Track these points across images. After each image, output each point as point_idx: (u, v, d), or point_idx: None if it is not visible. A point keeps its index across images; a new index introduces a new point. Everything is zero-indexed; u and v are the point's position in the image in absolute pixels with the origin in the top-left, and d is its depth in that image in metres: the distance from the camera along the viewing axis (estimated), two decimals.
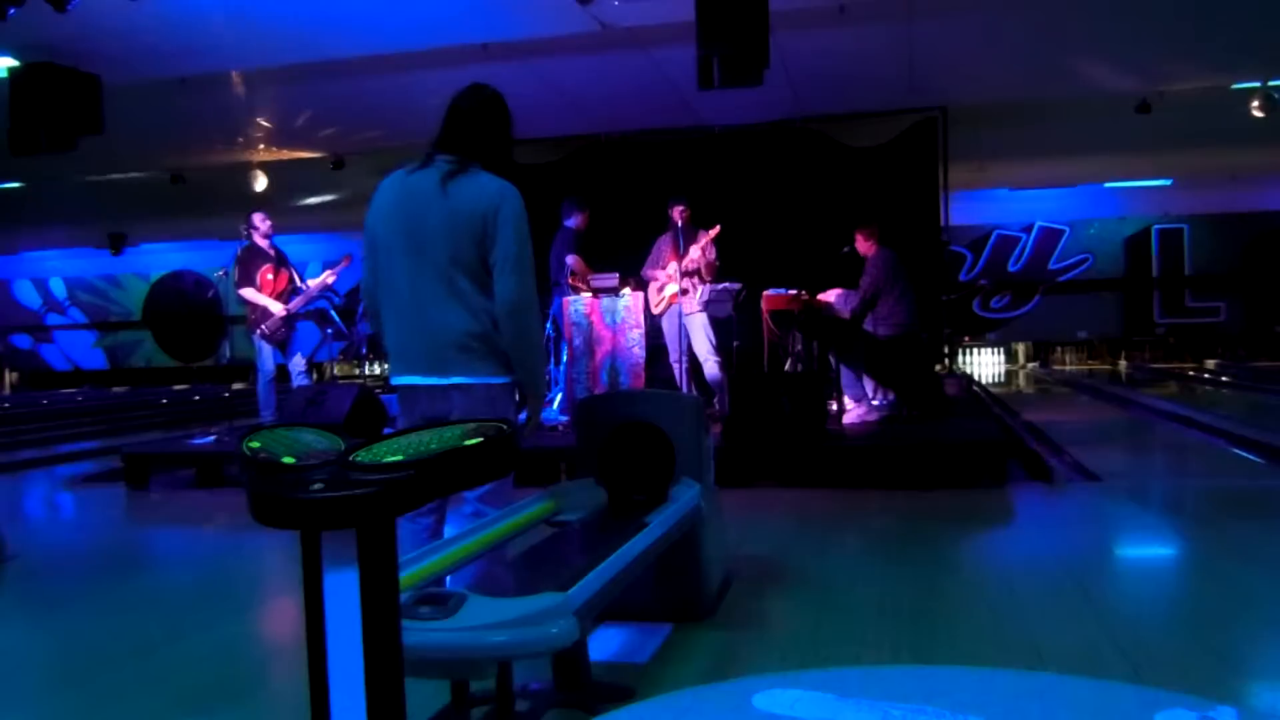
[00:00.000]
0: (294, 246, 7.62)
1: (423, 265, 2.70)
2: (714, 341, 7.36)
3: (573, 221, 7.74)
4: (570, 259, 7.61)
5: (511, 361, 2.75)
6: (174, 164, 12.29)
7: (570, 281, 7.47)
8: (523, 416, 2.92)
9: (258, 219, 7.32)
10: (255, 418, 7.66)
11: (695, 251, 7.26)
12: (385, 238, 2.77)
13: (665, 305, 7.44)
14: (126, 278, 20.64)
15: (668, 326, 7.49)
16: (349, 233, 14.84)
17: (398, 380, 2.82)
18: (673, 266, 7.31)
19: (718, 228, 7.34)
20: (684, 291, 7.28)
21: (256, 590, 4.29)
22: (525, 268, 2.71)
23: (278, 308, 7.13)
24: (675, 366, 7.42)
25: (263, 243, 7.29)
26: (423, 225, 2.70)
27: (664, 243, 7.47)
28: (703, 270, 7.31)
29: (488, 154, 2.78)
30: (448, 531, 2.77)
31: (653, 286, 7.58)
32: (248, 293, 7.16)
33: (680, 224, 7.28)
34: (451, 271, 2.68)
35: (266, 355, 7.20)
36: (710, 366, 7.38)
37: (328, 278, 7.38)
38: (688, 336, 7.36)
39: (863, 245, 7.51)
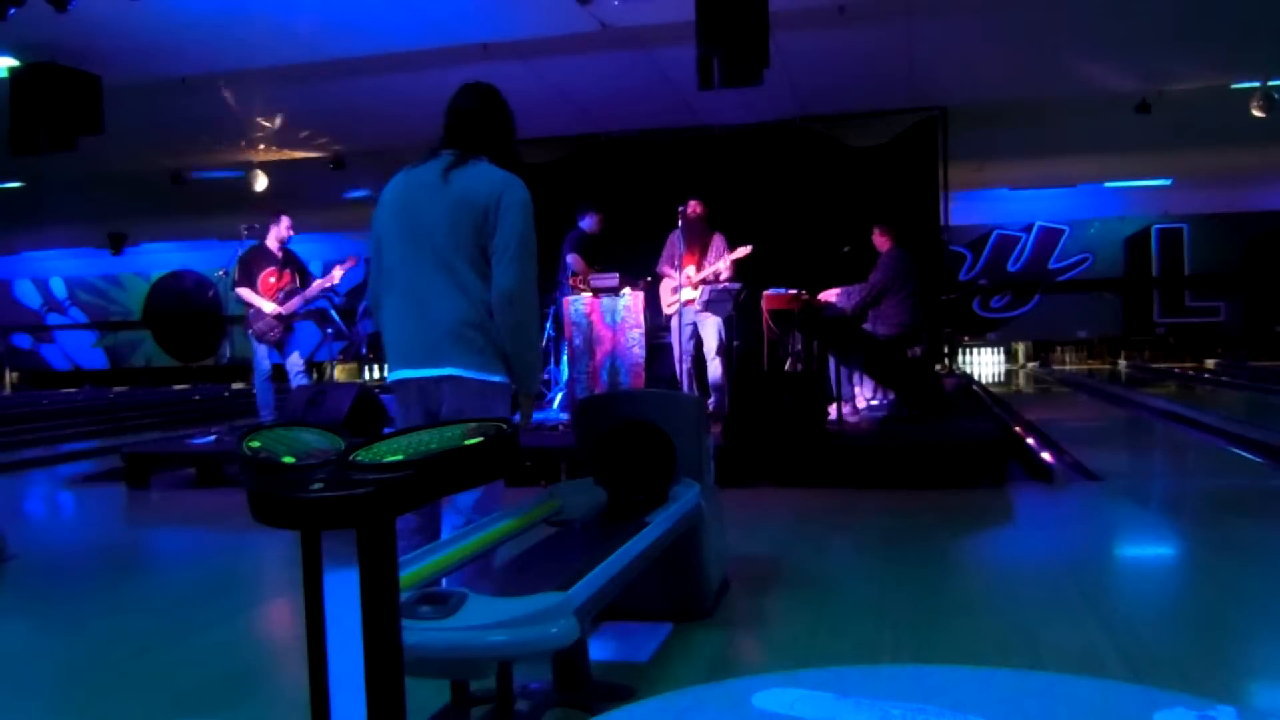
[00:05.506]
0: (296, 247, 7.60)
1: (422, 256, 2.66)
2: (721, 342, 7.33)
3: (586, 223, 7.72)
4: (571, 258, 7.60)
5: (507, 354, 2.69)
6: (174, 164, 12.30)
7: (571, 281, 7.46)
8: (515, 418, 2.91)
9: (285, 222, 7.28)
10: (255, 417, 7.66)
11: (722, 265, 7.19)
12: (389, 233, 2.75)
13: (677, 307, 7.39)
14: (127, 277, 20.66)
15: (675, 325, 7.45)
16: (351, 233, 14.86)
17: (393, 376, 2.78)
18: (690, 269, 7.25)
19: (749, 249, 7.19)
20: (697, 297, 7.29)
21: (256, 590, 4.29)
22: (525, 257, 2.65)
23: (270, 308, 7.12)
24: (678, 365, 7.41)
25: (273, 245, 7.27)
26: (423, 216, 2.68)
27: (675, 239, 7.31)
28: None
29: (493, 148, 2.77)
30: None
31: (666, 284, 7.54)
32: (243, 292, 7.15)
33: (692, 220, 7.20)
34: (452, 261, 2.64)
35: (261, 354, 7.21)
36: (714, 366, 7.36)
37: (331, 279, 7.35)
38: (696, 335, 7.35)
39: (879, 240, 7.57)
